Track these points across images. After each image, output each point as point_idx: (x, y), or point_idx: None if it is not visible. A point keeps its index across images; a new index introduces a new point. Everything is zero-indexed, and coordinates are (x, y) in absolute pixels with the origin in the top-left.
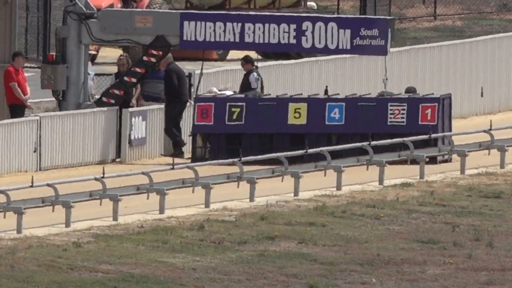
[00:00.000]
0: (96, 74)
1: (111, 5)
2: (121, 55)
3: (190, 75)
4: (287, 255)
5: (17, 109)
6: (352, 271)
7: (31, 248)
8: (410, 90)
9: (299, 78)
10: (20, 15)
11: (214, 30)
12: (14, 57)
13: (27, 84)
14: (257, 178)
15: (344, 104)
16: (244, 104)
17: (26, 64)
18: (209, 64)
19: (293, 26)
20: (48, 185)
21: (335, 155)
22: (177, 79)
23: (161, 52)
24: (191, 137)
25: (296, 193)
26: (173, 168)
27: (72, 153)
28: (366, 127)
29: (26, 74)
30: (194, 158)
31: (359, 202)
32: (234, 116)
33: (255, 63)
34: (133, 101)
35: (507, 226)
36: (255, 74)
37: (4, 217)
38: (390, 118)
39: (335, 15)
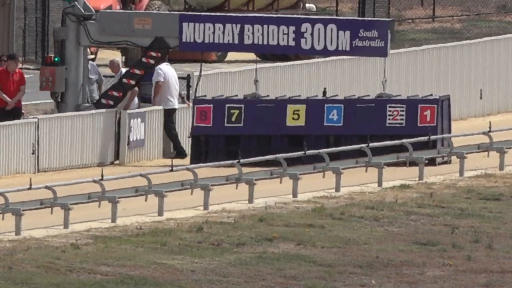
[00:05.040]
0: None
1: (110, 7)
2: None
3: (188, 76)
4: (286, 257)
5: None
6: (351, 273)
7: (30, 249)
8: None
9: (297, 79)
10: (18, 17)
11: (213, 32)
12: (7, 59)
13: (22, 88)
14: (255, 180)
15: (342, 105)
16: (243, 106)
17: (25, 66)
18: (208, 66)
19: (292, 28)
20: (46, 187)
21: (334, 156)
22: None
23: (160, 54)
24: (190, 139)
25: (294, 194)
26: (172, 170)
27: (70, 155)
28: (364, 128)
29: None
30: (193, 160)
31: (358, 204)
32: (233, 118)
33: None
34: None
35: (506, 228)
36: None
37: (3, 219)
38: (389, 119)
39: (334, 17)
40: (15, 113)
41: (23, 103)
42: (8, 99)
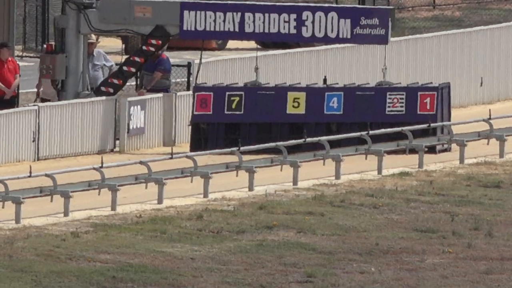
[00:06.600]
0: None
1: None
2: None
3: (189, 64)
4: (286, 244)
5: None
6: (351, 260)
7: (30, 237)
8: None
9: (298, 67)
10: (18, 4)
11: (214, 20)
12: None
13: (16, 76)
14: (256, 168)
15: (342, 93)
16: (243, 93)
17: (25, 54)
18: (208, 54)
19: (293, 16)
20: (46, 175)
21: (334, 144)
22: None
23: (160, 42)
24: (190, 127)
25: (295, 182)
26: (171, 158)
27: (70, 143)
28: (364, 116)
29: (23, 64)
30: (193, 148)
31: (357, 192)
32: (233, 106)
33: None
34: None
35: (506, 216)
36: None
37: (3, 207)
38: (389, 107)
39: (335, 5)
40: (12, 101)
41: (22, 90)
42: (6, 88)
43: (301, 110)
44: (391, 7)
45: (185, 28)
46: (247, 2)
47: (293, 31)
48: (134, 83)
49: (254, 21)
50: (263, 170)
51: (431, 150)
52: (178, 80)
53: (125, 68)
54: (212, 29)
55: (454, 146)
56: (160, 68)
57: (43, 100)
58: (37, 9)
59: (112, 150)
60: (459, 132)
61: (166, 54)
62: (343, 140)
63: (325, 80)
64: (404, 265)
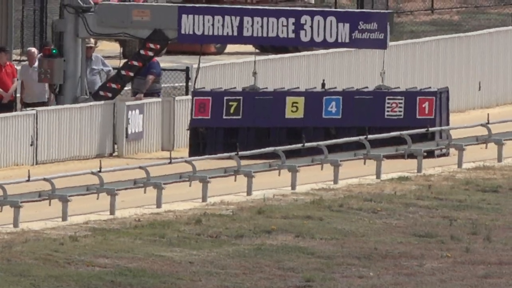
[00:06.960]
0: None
1: None
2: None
3: (187, 69)
4: (284, 248)
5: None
6: (349, 264)
7: (28, 242)
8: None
9: (296, 71)
10: (16, 8)
11: (212, 24)
12: None
13: (14, 80)
14: (254, 172)
15: (341, 97)
16: (241, 98)
17: (23, 58)
18: (207, 58)
19: (291, 20)
20: (45, 179)
21: (332, 148)
22: None
23: (158, 46)
24: (189, 131)
25: (293, 186)
26: (170, 162)
27: (69, 147)
28: (363, 120)
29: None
30: (192, 152)
31: (356, 196)
32: (232, 110)
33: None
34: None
35: (504, 220)
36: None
37: (1, 211)
38: (388, 111)
39: (333, 9)
40: (9, 105)
41: (20, 94)
42: (4, 92)
43: (300, 114)
44: (389, 11)
45: (183, 32)
46: (246, 6)
47: (291, 35)
48: None
49: (252, 25)
50: (261, 175)
51: (430, 154)
52: (176, 84)
53: (123, 72)
54: (211, 33)
55: (452, 150)
56: (152, 72)
57: (26, 105)
58: (35, 13)
59: (110, 155)
60: (458, 137)
61: (164, 58)
62: (341, 144)
63: (323, 85)
64: (402, 269)
